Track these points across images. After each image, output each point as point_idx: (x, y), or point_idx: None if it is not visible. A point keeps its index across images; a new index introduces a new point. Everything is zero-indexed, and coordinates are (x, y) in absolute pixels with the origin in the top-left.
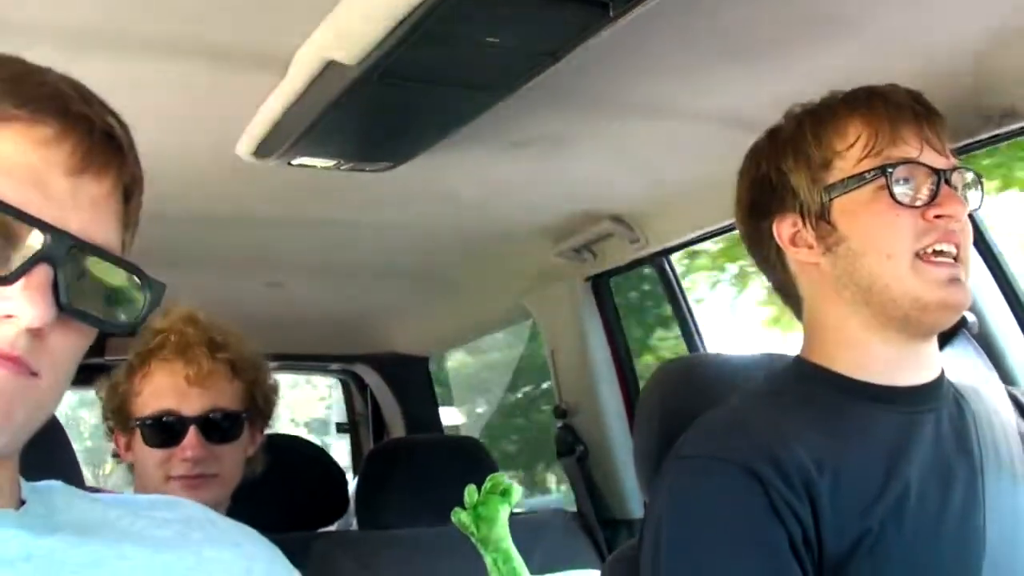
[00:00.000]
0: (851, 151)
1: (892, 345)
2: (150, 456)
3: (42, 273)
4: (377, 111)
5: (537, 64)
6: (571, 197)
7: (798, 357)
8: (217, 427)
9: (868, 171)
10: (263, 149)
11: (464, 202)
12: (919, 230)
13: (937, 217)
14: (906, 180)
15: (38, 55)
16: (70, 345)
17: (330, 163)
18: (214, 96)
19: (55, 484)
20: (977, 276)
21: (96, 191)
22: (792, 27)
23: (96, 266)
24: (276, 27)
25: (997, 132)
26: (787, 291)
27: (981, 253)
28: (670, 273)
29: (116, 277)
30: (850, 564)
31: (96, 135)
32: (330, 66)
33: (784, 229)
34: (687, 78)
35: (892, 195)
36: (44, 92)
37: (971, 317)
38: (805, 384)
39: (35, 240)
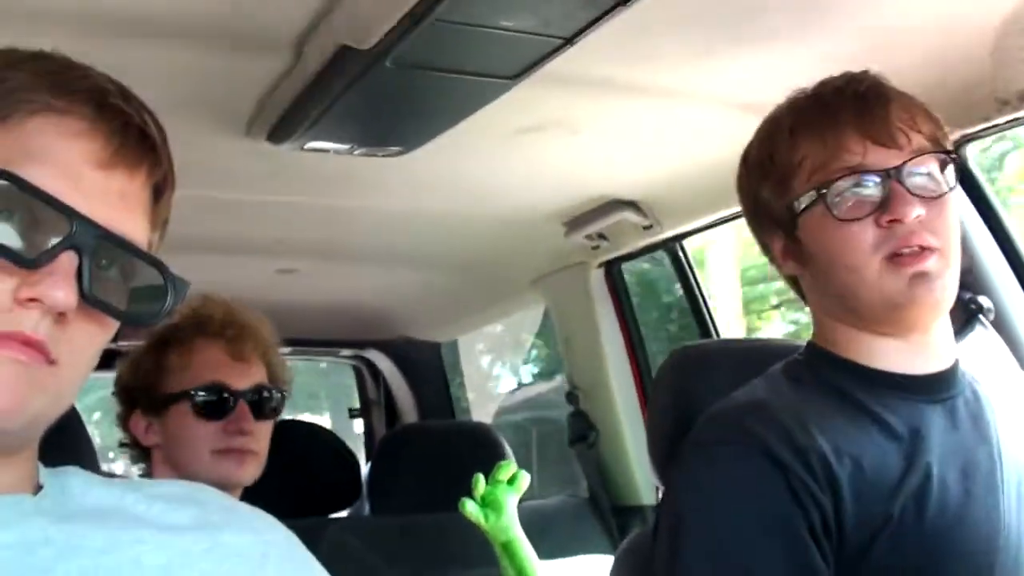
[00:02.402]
0: (802, 168)
1: (889, 338)
2: (197, 430)
3: (67, 260)
4: (390, 96)
5: (551, 49)
6: (584, 183)
7: (811, 344)
8: (262, 404)
9: (812, 190)
10: (277, 134)
11: (476, 187)
12: (877, 239)
13: (891, 222)
14: (851, 190)
15: (46, 41)
16: (90, 336)
17: (343, 148)
18: (227, 80)
19: (72, 469)
20: (992, 261)
21: (127, 186)
22: (805, 8)
23: (121, 259)
24: (290, 11)
25: (1015, 116)
26: (798, 291)
27: (996, 237)
28: (683, 258)
29: (140, 271)
30: (871, 551)
31: (130, 131)
32: (343, 51)
33: (774, 245)
34: (699, 62)
35: (833, 214)
36: (83, 86)
37: (987, 303)
38: (823, 371)
39: (63, 228)
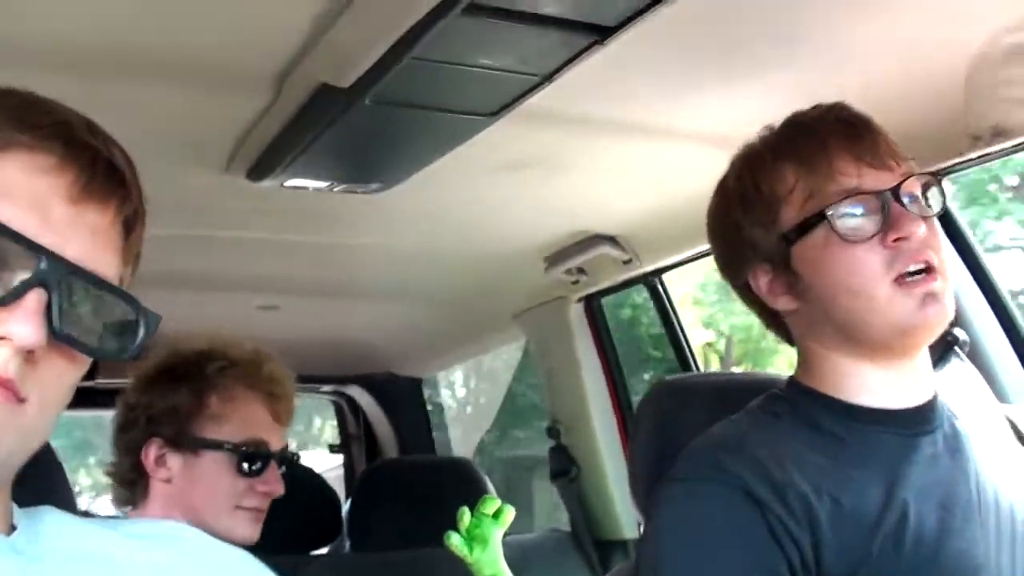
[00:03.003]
0: (792, 196)
1: (881, 369)
2: (228, 482)
3: (36, 297)
4: (369, 133)
5: (529, 86)
6: (563, 218)
7: (792, 379)
8: (286, 466)
9: (811, 216)
10: (256, 171)
11: (456, 223)
12: (885, 260)
13: (896, 240)
14: (853, 213)
15: (27, 78)
16: (61, 373)
17: (323, 185)
18: (207, 118)
19: (46, 509)
20: (967, 293)
21: (96, 221)
22: (778, 46)
23: (91, 294)
24: (269, 49)
25: (987, 151)
26: (778, 331)
27: (970, 269)
28: (662, 292)
29: (111, 306)
30: None
31: (99, 165)
32: (323, 88)
33: (760, 281)
34: (676, 98)
35: (840, 236)
36: (48, 120)
37: (962, 335)
38: (802, 407)
39: (31, 265)
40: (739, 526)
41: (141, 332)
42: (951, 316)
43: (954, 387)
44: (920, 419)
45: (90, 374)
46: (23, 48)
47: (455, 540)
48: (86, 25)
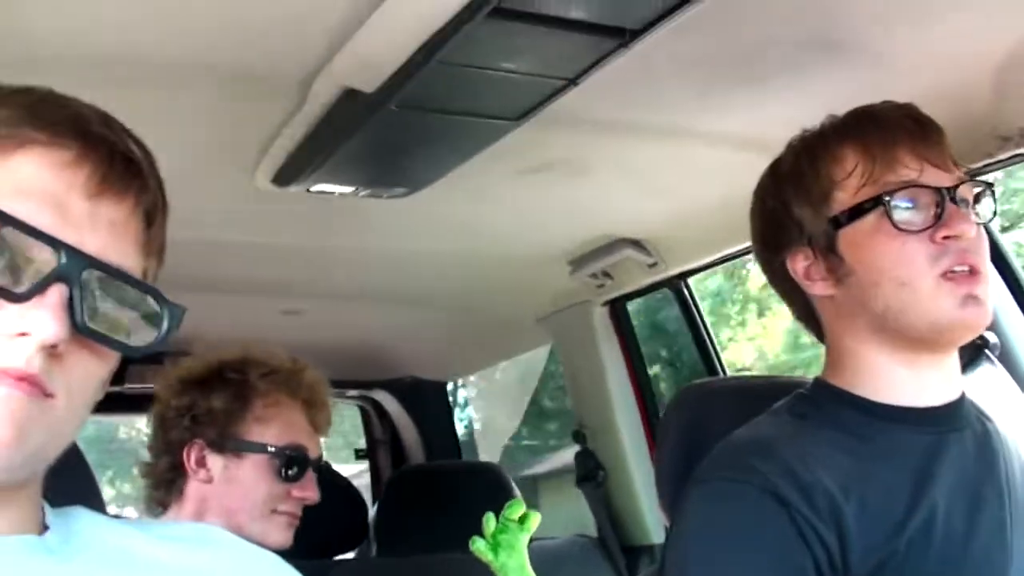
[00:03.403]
0: (849, 180)
1: (912, 367)
2: (268, 485)
3: (57, 292)
4: (394, 138)
5: (554, 91)
6: (588, 222)
7: (819, 380)
8: (320, 475)
9: (867, 201)
10: (282, 177)
11: (481, 228)
12: (931, 254)
13: (946, 238)
14: (908, 205)
15: (53, 84)
16: (87, 368)
17: (348, 190)
18: (232, 123)
19: (78, 510)
20: (997, 297)
21: (115, 214)
22: (806, 48)
23: (114, 288)
24: (294, 54)
25: (1016, 152)
26: (808, 321)
27: (1001, 273)
28: (688, 296)
29: (134, 300)
30: None
31: (116, 159)
32: (348, 94)
33: (798, 264)
34: (703, 101)
35: (894, 224)
36: (64, 115)
37: (992, 338)
38: (828, 406)
39: (51, 260)
40: (766, 527)
41: (165, 324)
42: (988, 321)
43: (985, 390)
44: (947, 418)
45: (118, 378)
46: (47, 55)
47: (480, 545)
48: (111, 32)
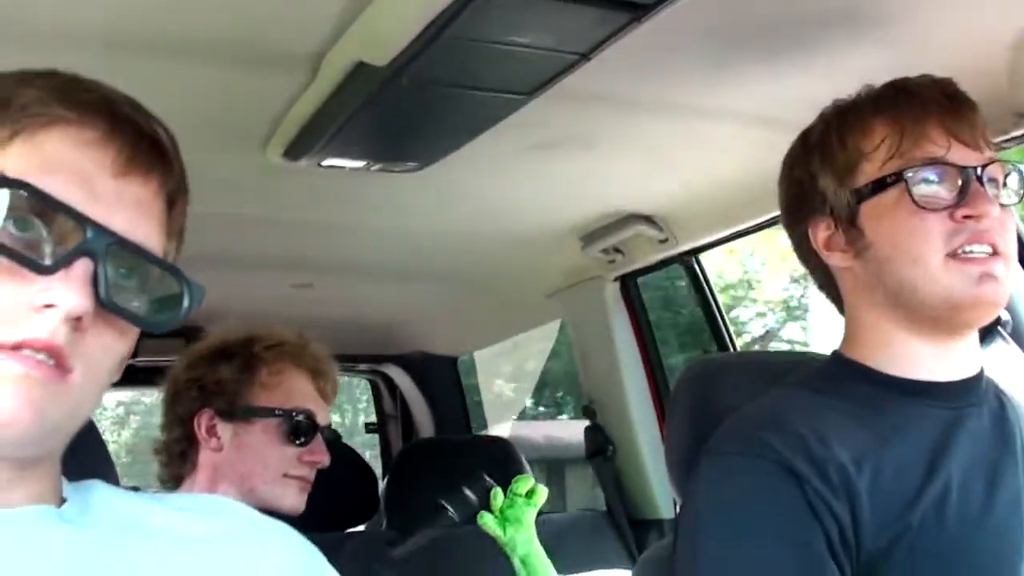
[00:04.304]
0: (876, 153)
1: (928, 343)
2: (277, 449)
3: (82, 265)
4: (406, 113)
5: (566, 65)
6: (599, 197)
7: (836, 353)
8: (331, 444)
9: (890, 175)
10: (293, 151)
11: (492, 203)
12: (947, 232)
13: (966, 217)
14: (932, 181)
15: (65, 59)
16: (108, 345)
17: (359, 164)
18: (244, 98)
19: (95, 483)
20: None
21: (140, 193)
22: (821, 24)
23: (136, 265)
24: (305, 28)
25: None
26: (829, 291)
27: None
28: (699, 272)
29: (156, 278)
30: (889, 560)
31: (143, 140)
32: (360, 68)
33: (819, 233)
34: (715, 77)
35: (914, 200)
36: (92, 97)
37: (1005, 315)
38: (844, 380)
39: (78, 235)
40: (778, 501)
41: (185, 303)
42: (1005, 300)
43: (997, 367)
44: (964, 393)
45: (133, 352)
46: (57, 30)
47: (488, 520)
48: (122, 5)
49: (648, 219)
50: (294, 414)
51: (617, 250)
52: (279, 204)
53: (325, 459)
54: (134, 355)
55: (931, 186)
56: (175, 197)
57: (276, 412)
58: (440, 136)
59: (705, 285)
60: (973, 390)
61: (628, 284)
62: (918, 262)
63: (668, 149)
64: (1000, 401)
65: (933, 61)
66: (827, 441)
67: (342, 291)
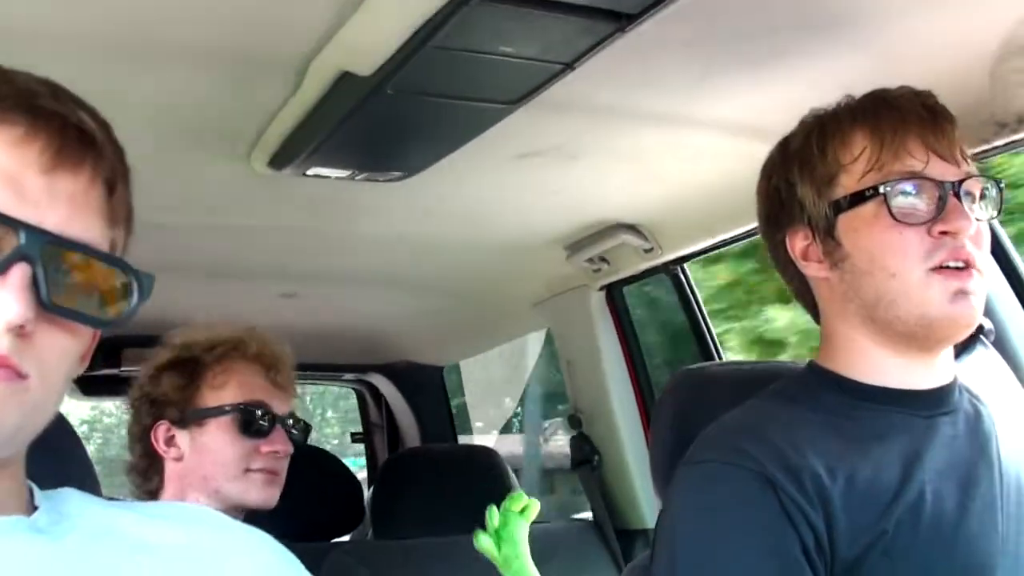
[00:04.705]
0: (855, 165)
1: (901, 356)
2: (235, 445)
3: (19, 271)
4: (391, 122)
5: (551, 75)
6: (584, 207)
7: (812, 363)
8: (294, 432)
9: (868, 188)
10: (278, 160)
11: (477, 212)
12: (926, 248)
13: (943, 233)
14: (910, 194)
15: (43, 66)
16: (60, 345)
17: (344, 174)
18: (228, 107)
19: (69, 491)
20: (993, 283)
21: (72, 187)
22: (803, 33)
23: (77, 262)
24: (290, 37)
25: (1013, 139)
26: (805, 300)
27: (997, 259)
28: (684, 281)
29: (101, 273)
30: (864, 567)
31: (68, 131)
32: (345, 77)
33: (796, 243)
34: (699, 86)
35: (892, 214)
36: (10, 91)
37: (988, 324)
38: (818, 389)
39: (11, 240)
40: (754, 509)
41: (136, 295)
42: (978, 319)
43: (979, 374)
44: (937, 401)
45: (114, 361)
46: (39, 34)
47: (484, 542)
48: (104, 11)
49: (633, 228)
50: (245, 407)
51: (602, 259)
52: (264, 213)
53: (285, 447)
54: (117, 365)
55: (909, 200)
56: (113, 182)
57: (226, 408)
58: (425, 145)
59: (690, 294)
60: (947, 397)
61: (614, 293)
62: (896, 276)
63: (653, 158)
64: (975, 408)
65: (915, 69)
66: (803, 450)
67: (327, 300)
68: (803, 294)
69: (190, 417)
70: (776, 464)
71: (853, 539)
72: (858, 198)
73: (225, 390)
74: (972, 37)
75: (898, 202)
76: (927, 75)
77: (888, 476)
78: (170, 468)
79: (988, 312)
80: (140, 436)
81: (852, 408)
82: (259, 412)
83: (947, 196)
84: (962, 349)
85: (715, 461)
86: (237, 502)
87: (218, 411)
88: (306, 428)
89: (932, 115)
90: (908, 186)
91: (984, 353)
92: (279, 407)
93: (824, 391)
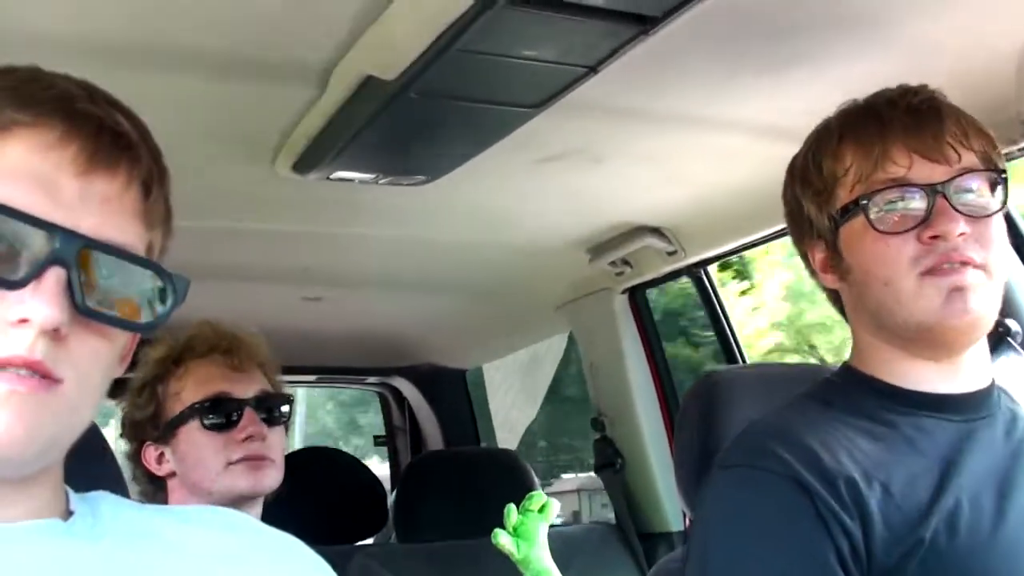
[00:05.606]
0: (847, 177)
1: (927, 360)
2: (208, 444)
3: (54, 275)
4: (414, 126)
5: (574, 78)
6: (607, 209)
7: (847, 365)
8: (269, 410)
9: (851, 202)
10: (302, 164)
11: (500, 215)
12: (916, 254)
13: (933, 238)
14: (892, 202)
15: (76, 72)
16: (94, 349)
17: (368, 177)
18: (253, 111)
19: (103, 494)
20: (1019, 284)
21: (107, 190)
22: (826, 34)
23: (112, 265)
24: (315, 42)
25: None
26: (838, 307)
27: (1022, 257)
28: (708, 284)
29: (136, 275)
30: (902, 574)
31: (103, 134)
32: (369, 81)
33: (816, 255)
34: (724, 88)
35: (872, 225)
36: (47, 95)
37: (1015, 326)
38: (853, 393)
39: (46, 244)
40: (788, 514)
41: (170, 299)
42: (985, 312)
43: (1007, 377)
44: (974, 405)
45: (132, 363)
46: (67, 40)
47: (503, 539)
48: (132, 19)
49: (656, 231)
50: (203, 404)
51: (625, 262)
52: (288, 217)
53: (259, 430)
54: (135, 367)
55: (893, 206)
56: (150, 184)
57: (187, 411)
58: (448, 149)
59: (714, 297)
60: (984, 402)
61: (636, 296)
62: (889, 285)
63: (676, 161)
64: (1012, 413)
65: (940, 70)
66: (837, 455)
67: (351, 304)
68: (835, 301)
69: (165, 431)
70: (811, 470)
71: (890, 547)
72: (846, 211)
73: (184, 393)
74: (996, 37)
75: (878, 213)
76: (952, 75)
77: (924, 483)
78: (170, 484)
79: (1015, 314)
80: (135, 461)
81: (888, 412)
82: (221, 403)
83: (934, 198)
84: (991, 351)
85: (748, 465)
86: (228, 497)
87: (182, 417)
88: (285, 400)
89: (915, 116)
90: (891, 194)
91: (1013, 356)
92: (242, 391)
93: (859, 394)
